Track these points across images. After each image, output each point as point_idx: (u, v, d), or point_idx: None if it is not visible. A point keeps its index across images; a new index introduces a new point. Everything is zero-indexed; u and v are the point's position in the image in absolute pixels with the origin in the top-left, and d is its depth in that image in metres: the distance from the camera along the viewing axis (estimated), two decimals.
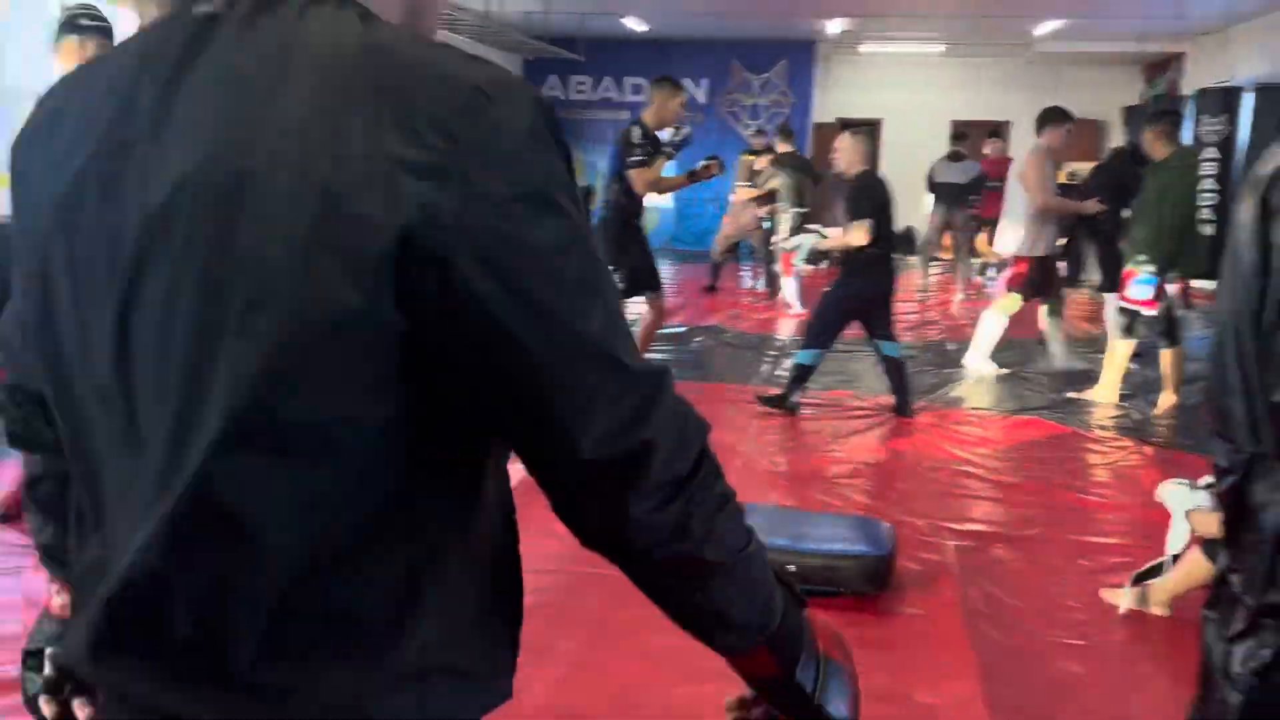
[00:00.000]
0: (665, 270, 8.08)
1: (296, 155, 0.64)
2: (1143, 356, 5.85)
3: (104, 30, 3.13)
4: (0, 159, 0.97)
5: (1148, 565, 3.11)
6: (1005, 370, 6.39)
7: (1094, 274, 7.67)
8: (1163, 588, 3.06)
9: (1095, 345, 6.60)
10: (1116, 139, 12.14)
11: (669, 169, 5.63)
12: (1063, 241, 6.77)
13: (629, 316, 5.09)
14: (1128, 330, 5.56)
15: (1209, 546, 2.85)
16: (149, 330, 0.69)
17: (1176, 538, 3.03)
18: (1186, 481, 3.04)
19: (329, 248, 0.63)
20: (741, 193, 9.68)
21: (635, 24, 12.33)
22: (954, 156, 9.79)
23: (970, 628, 2.99)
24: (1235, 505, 1.96)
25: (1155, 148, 5.47)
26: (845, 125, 5.51)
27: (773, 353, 7.01)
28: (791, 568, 2.95)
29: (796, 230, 8.46)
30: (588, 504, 0.72)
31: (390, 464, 0.69)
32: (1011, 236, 6.26)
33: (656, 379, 0.72)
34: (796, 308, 8.52)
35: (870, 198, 5.11)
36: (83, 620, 0.73)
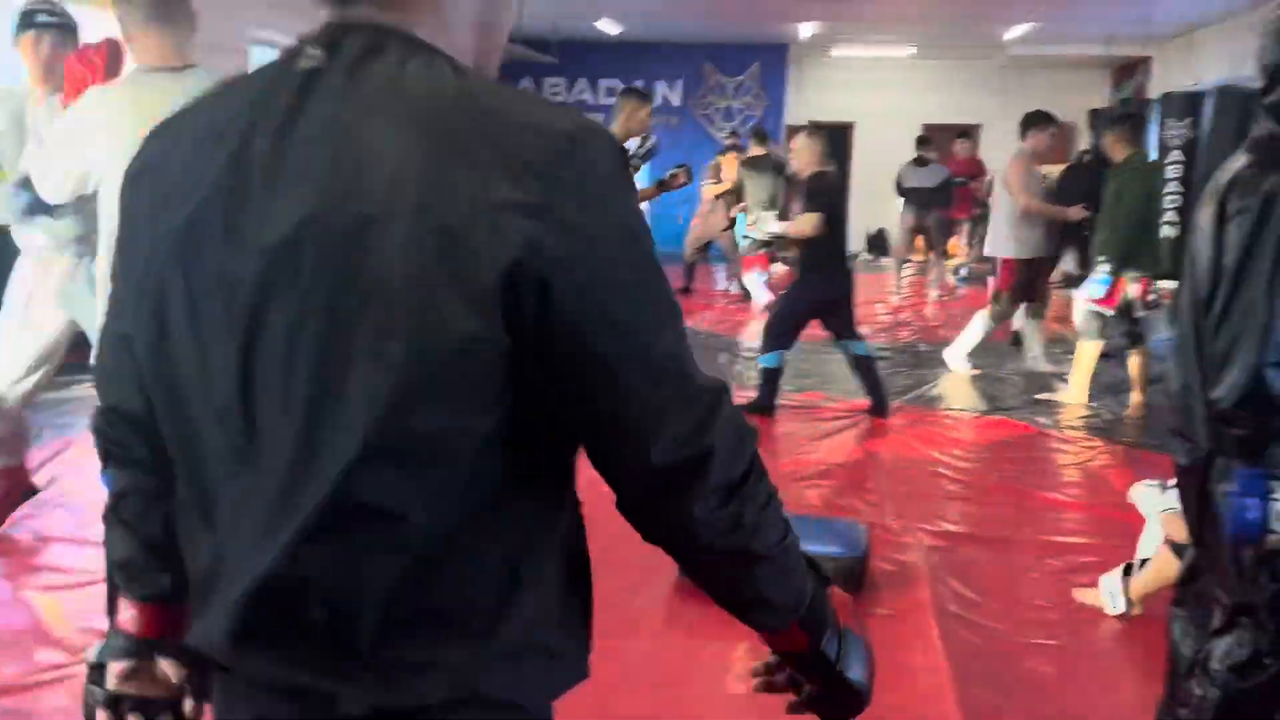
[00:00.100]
0: None
1: (413, 200, 0.72)
2: (1113, 357, 5.91)
3: (61, 27, 3.07)
4: None
5: (1121, 566, 3.14)
6: (977, 371, 6.42)
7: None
8: (1135, 586, 3.09)
9: (1066, 346, 6.65)
10: (1084, 142, 12.25)
11: (637, 180, 5.62)
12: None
13: None
14: (1095, 331, 5.61)
15: (1178, 548, 2.88)
16: (273, 358, 0.77)
17: (1148, 541, 3.06)
18: (1157, 483, 3.07)
19: (449, 281, 0.72)
20: (707, 190, 9.73)
21: (609, 26, 12.33)
22: (919, 161, 9.85)
23: (942, 628, 3.00)
24: (1198, 504, 1.98)
25: (1115, 150, 5.56)
26: (818, 128, 5.51)
27: (747, 355, 7.03)
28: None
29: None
30: (655, 504, 0.82)
31: (492, 468, 0.78)
32: (996, 239, 6.25)
33: (717, 394, 0.82)
34: (764, 299, 8.53)
35: (823, 195, 5.14)
36: (219, 613, 0.81)
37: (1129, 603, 3.09)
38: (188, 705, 0.98)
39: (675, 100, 14.19)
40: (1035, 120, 6.09)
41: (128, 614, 1.01)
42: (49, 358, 3.18)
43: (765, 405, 5.26)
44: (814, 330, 5.40)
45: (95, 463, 3.53)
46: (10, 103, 3.07)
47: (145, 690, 0.97)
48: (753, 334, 7.99)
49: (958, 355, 6.48)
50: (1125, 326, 5.45)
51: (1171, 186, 7.51)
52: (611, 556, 3.36)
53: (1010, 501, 4.18)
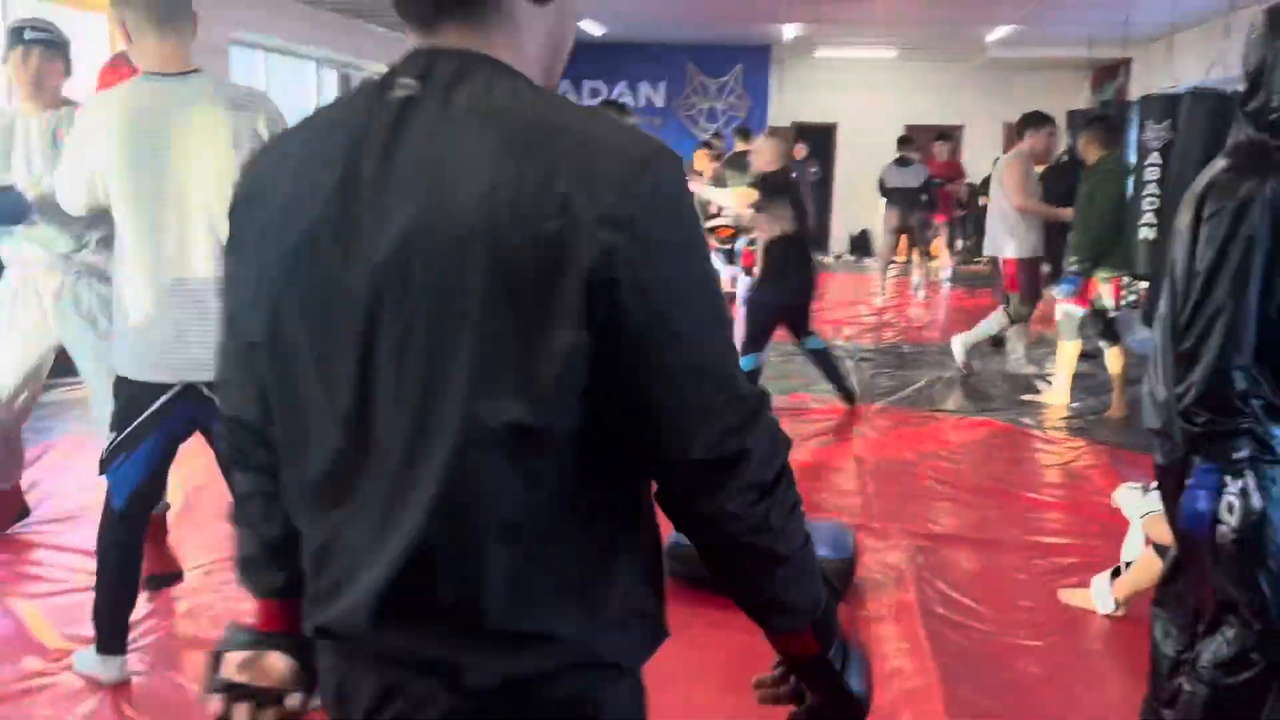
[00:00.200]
0: None
1: (505, 216, 0.80)
2: (1096, 358, 5.94)
3: (49, 43, 3.03)
4: None
5: (1110, 569, 3.16)
6: (966, 370, 6.40)
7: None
8: (1118, 587, 3.11)
9: (1049, 346, 6.68)
10: (1064, 144, 12.32)
11: None
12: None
13: None
14: (1073, 331, 5.65)
15: (1162, 550, 2.90)
16: (388, 362, 0.85)
17: (1132, 545, 3.08)
18: (1139, 486, 3.09)
19: (541, 287, 0.80)
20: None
21: (592, 27, 12.31)
22: (902, 162, 9.89)
23: (929, 629, 3.01)
24: (1177, 501, 2.01)
25: (1088, 152, 5.61)
26: (801, 129, 5.57)
27: None
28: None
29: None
30: (691, 496, 0.89)
31: (584, 456, 0.86)
32: (996, 240, 6.23)
33: (759, 400, 0.89)
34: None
35: (770, 191, 5.19)
36: (360, 594, 0.89)
37: (1116, 604, 3.11)
38: (296, 698, 1.04)
39: (659, 101, 14.19)
40: (1033, 121, 6.11)
41: (249, 608, 1.08)
42: (34, 377, 3.14)
43: None
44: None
45: (76, 467, 3.53)
46: None
47: (258, 680, 1.03)
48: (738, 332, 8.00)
49: (961, 346, 6.40)
50: (1099, 326, 5.49)
51: (1150, 189, 7.58)
52: None
53: (996, 503, 4.20)
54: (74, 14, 3.53)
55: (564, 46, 0.98)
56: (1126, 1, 9.05)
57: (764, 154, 5.43)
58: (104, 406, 3.05)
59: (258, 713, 1.02)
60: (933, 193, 10.00)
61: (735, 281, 8.31)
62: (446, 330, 0.83)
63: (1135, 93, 11.41)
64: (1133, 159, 8.77)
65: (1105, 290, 5.46)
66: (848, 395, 5.52)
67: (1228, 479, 1.79)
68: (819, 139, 13.65)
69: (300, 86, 9.70)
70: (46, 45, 3.02)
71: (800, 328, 5.41)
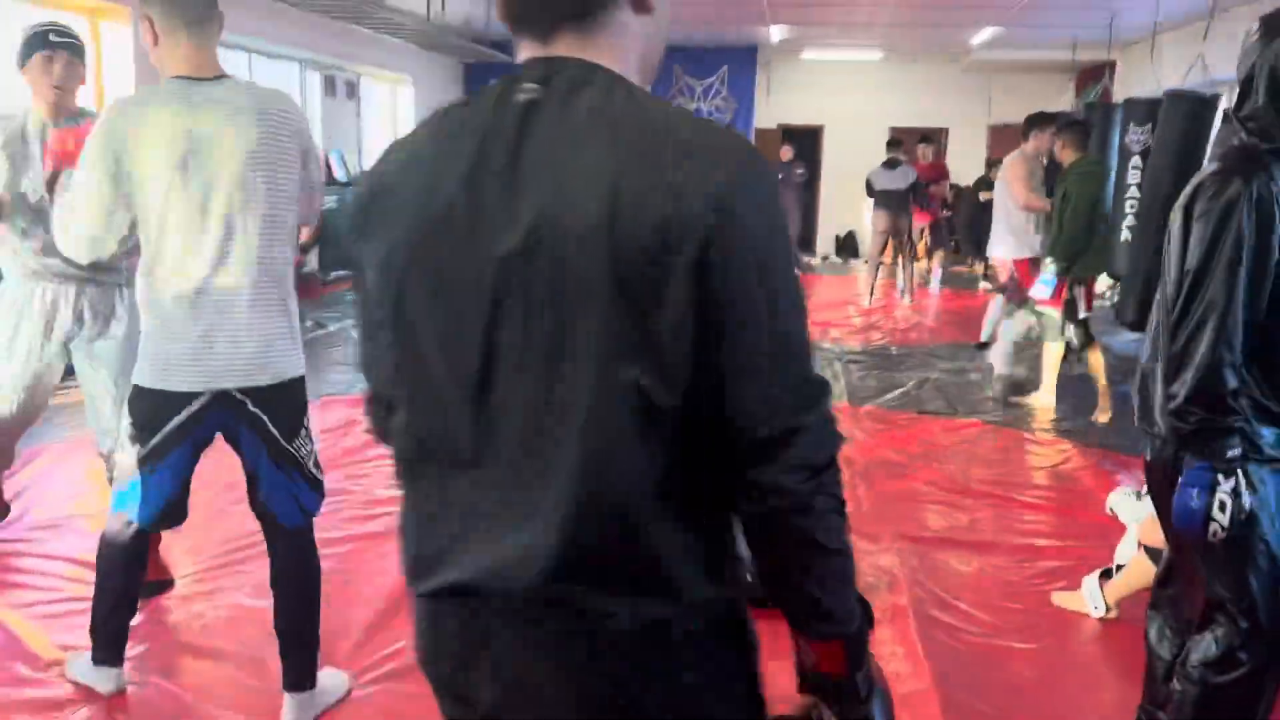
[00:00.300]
0: None
1: (627, 206, 0.90)
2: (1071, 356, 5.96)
3: (73, 47, 2.96)
4: None
5: (1099, 570, 3.17)
6: (1018, 372, 6.22)
7: None
8: (1110, 589, 3.12)
9: (1035, 348, 6.70)
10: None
11: None
12: None
13: None
14: (1055, 332, 5.68)
15: (1154, 553, 2.91)
16: (513, 342, 0.95)
17: (1127, 549, 3.09)
18: (1133, 491, 3.11)
19: (656, 269, 0.90)
20: None
21: None
22: (890, 164, 9.92)
23: (922, 632, 3.01)
24: (1168, 500, 2.02)
25: (1064, 154, 5.65)
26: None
27: None
28: (748, 576, 2.95)
29: None
30: (748, 464, 0.95)
31: (695, 422, 0.94)
32: (1001, 241, 6.20)
33: (822, 386, 0.98)
34: None
35: None
36: (509, 554, 0.98)
37: (1107, 606, 3.13)
38: None
39: None
40: (1037, 121, 6.11)
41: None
42: (33, 387, 3.07)
43: None
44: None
45: (63, 473, 3.49)
46: (9, 125, 2.95)
47: None
48: None
49: (1003, 360, 6.23)
50: (1073, 326, 5.54)
51: (1132, 191, 7.62)
52: None
53: (986, 505, 4.21)
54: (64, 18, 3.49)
55: (658, 53, 1.09)
56: (1110, 4, 9.11)
57: None
58: (105, 415, 3.05)
59: None
60: (924, 193, 10.03)
61: None
62: (571, 309, 0.92)
63: (1118, 95, 11.48)
64: (1115, 161, 8.85)
65: (1078, 292, 5.50)
66: None
67: (1220, 477, 1.81)
68: (805, 141, 13.67)
69: (284, 88, 9.64)
70: (72, 50, 2.95)
71: None
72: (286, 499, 2.38)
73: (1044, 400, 5.81)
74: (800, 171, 12.13)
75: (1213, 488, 1.81)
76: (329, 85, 10.90)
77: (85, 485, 4.02)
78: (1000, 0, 9.30)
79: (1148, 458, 2.07)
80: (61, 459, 4.31)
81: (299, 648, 2.43)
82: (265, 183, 2.22)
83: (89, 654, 2.52)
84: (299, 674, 2.43)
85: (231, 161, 2.18)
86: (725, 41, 13.34)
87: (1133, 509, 3.04)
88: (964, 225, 11.89)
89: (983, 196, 10.49)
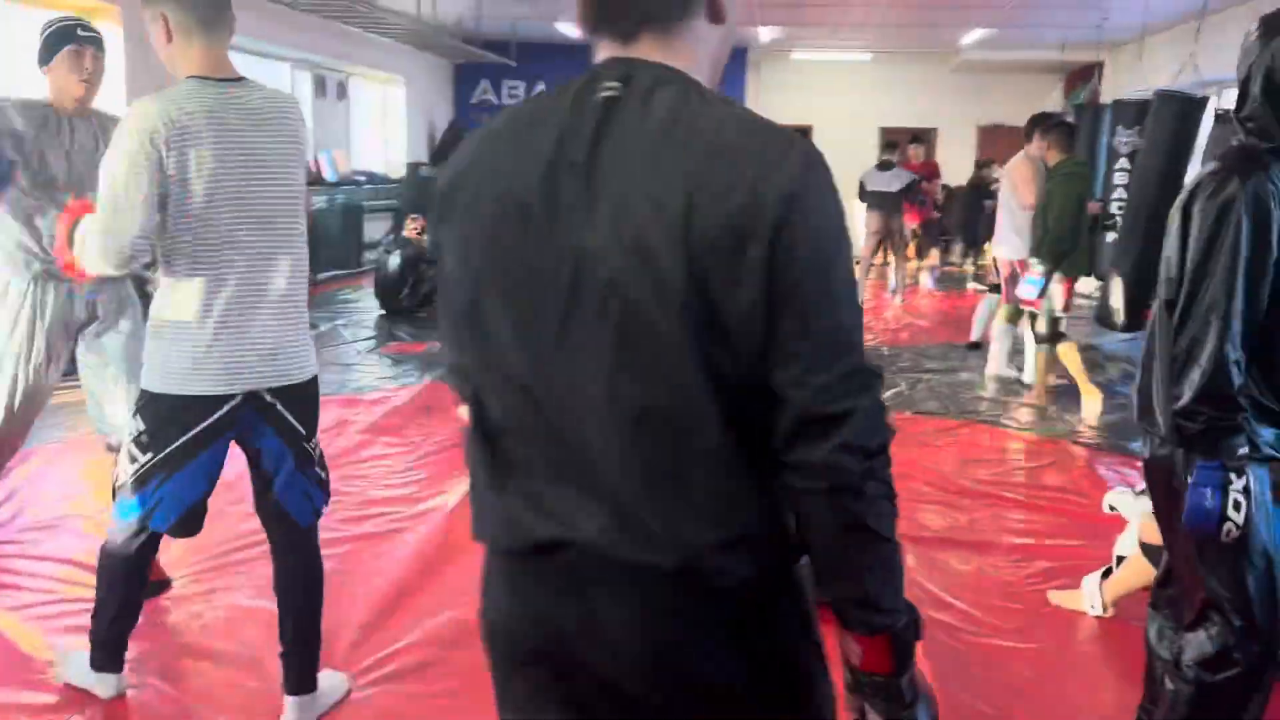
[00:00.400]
0: None
1: (705, 198, 0.97)
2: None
3: (98, 42, 2.93)
4: None
5: (1101, 569, 3.18)
6: (1060, 380, 6.19)
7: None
8: (1108, 588, 3.13)
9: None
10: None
11: None
12: None
13: None
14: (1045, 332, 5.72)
15: (1151, 551, 2.92)
16: (584, 325, 1.02)
17: (1127, 541, 3.10)
18: (1129, 489, 3.12)
19: (732, 253, 0.97)
20: None
21: (568, 28, 12.30)
22: (883, 165, 9.94)
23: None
24: (1167, 500, 2.02)
25: (1049, 155, 5.68)
26: None
27: None
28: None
29: None
30: (801, 439, 1.00)
31: (758, 394, 1.01)
32: (1008, 242, 6.19)
33: (874, 373, 1.03)
34: None
35: None
36: (587, 507, 1.05)
37: (1105, 605, 3.14)
38: None
39: None
40: (1041, 121, 6.13)
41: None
42: (40, 385, 3.03)
43: None
44: None
45: (56, 474, 3.46)
46: (34, 112, 2.91)
47: None
48: None
49: (1032, 368, 6.20)
50: (1043, 320, 5.59)
51: (1118, 193, 7.66)
52: None
53: (982, 504, 4.22)
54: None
55: (725, 58, 1.16)
56: (1100, 4, 9.15)
57: None
58: (117, 411, 3.01)
59: None
60: (920, 192, 10.05)
61: None
62: (647, 296, 0.99)
63: (1106, 96, 11.53)
64: (1103, 162, 8.88)
65: (1056, 291, 5.53)
66: None
67: (1232, 476, 1.81)
68: None
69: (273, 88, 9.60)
70: (97, 45, 2.92)
71: None
72: (301, 498, 2.37)
73: (1036, 399, 5.84)
74: None
75: (1225, 487, 1.81)
76: (319, 85, 10.86)
77: (80, 486, 4.00)
78: (991, 0, 9.34)
79: (1147, 456, 2.07)
80: (55, 460, 4.29)
81: (302, 650, 2.42)
82: (291, 182, 2.24)
83: (83, 655, 2.50)
84: (301, 676, 2.42)
85: (266, 161, 2.18)
86: None
87: (1133, 504, 3.04)
88: (956, 225, 11.93)
89: (988, 205, 10.50)
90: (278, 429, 2.30)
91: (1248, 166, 1.87)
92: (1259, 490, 1.88)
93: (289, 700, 2.42)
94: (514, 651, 1.15)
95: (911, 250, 11.10)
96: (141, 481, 2.24)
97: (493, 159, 1.09)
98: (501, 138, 1.10)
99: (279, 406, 2.28)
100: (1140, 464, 4.82)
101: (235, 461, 2.37)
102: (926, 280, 10.93)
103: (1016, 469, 4.82)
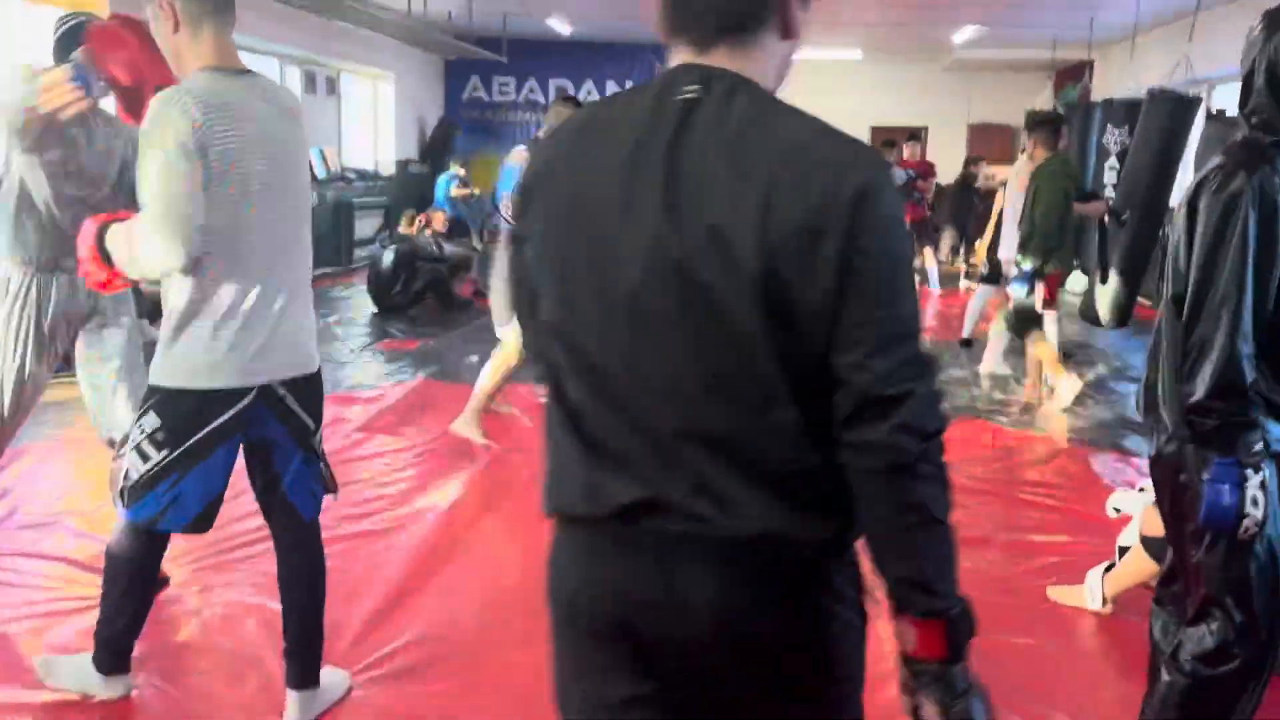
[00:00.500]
0: None
1: (783, 199, 1.05)
2: (1072, 357, 6.00)
3: None
4: None
5: (1104, 564, 3.19)
6: (1083, 378, 6.17)
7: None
8: (1109, 582, 3.13)
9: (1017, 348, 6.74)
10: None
11: None
12: None
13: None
14: (1046, 328, 5.73)
15: (1151, 544, 2.93)
16: (662, 312, 1.10)
17: (1130, 533, 3.11)
18: (1130, 489, 3.13)
19: (808, 250, 1.05)
20: None
21: (559, 25, 12.29)
22: None
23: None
24: (1172, 496, 2.02)
25: (1036, 153, 5.71)
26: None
27: None
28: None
29: None
30: (863, 420, 1.07)
31: (820, 379, 1.08)
32: (1011, 241, 6.15)
33: (930, 362, 1.11)
34: None
35: None
36: (669, 471, 1.13)
37: (1104, 600, 3.14)
38: None
39: None
40: (1048, 121, 6.12)
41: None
42: (34, 380, 3.01)
43: None
44: None
45: (49, 473, 3.40)
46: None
47: None
48: None
49: (1053, 373, 6.00)
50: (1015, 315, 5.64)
51: (1107, 191, 7.70)
52: None
53: (979, 501, 4.21)
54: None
55: (788, 71, 1.23)
56: (1091, 3, 9.18)
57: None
58: (118, 406, 3.01)
59: None
60: (915, 190, 10.05)
61: None
62: (726, 289, 1.06)
63: (1095, 95, 11.57)
64: (1093, 161, 8.92)
65: (1039, 288, 5.54)
66: None
67: (1248, 472, 1.81)
68: None
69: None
70: None
71: None
72: (307, 493, 2.37)
73: (1030, 395, 5.85)
74: None
75: (1242, 483, 1.81)
76: (309, 81, 10.82)
77: (74, 484, 3.97)
78: None
79: (1153, 453, 2.06)
80: (48, 458, 4.26)
81: (305, 645, 2.41)
82: (306, 171, 2.26)
83: (75, 660, 2.48)
84: (304, 672, 2.41)
85: (289, 151, 2.19)
86: None
87: (1136, 500, 3.05)
88: (945, 222, 11.94)
89: (977, 202, 10.52)
90: (287, 423, 2.29)
91: (1253, 160, 1.87)
92: (1269, 486, 1.88)
93: (292, 695, 2.41)
94: (592, 622, 1.20)
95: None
96: (155, 480, 2.21)
97: (574, 154, 1.18)
98: (583, 134, 1.20)
99: (289, 400, 2.27)
100: (1134, 460, 4.86)
101: None
102: (931, 278, 10.92)
103: (1014, 465, 4.82)
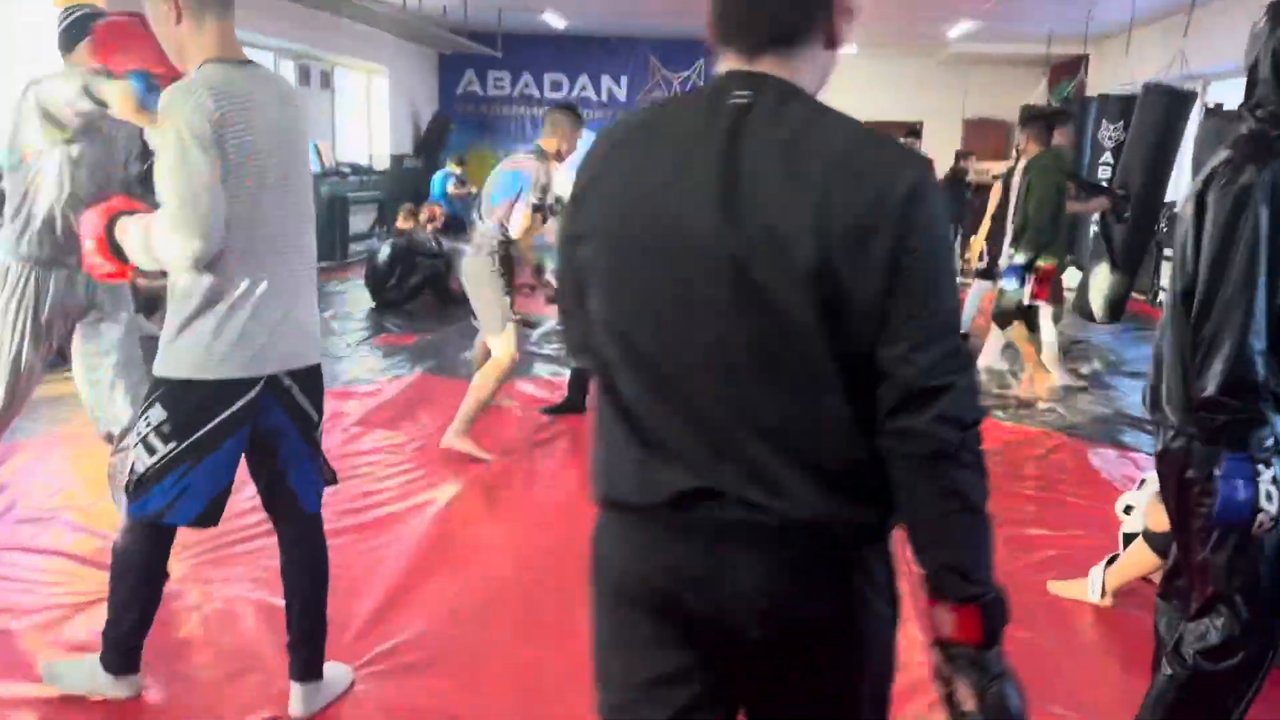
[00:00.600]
0: None
1: (839, 199, 1.11)
2: (1067, 354, 6.01)
3: None
4: None
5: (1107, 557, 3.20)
6: (1082, 383, 6.21)
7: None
8: (1110, 575, 3.14)
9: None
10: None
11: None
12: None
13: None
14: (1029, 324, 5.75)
15: (1154, 538, 2.93)
16: (715, 310, 1.15)
17: (1134, 522, 3.11)
18: (1139, 492, 3.13)
19: (862, 249, 1.11)
20: None
21: (554, 19, 12.26)
22: None
23: (921, 623, 3.01)
24: (1178, 491, 2.02)
25: (1029, 148, 5.72)
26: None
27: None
28: None
29: None
30: (906, 409, 1.13)
31: (869, 372, 1.14)
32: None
33: (969, 358, 1.18)
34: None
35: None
36: (722, 473, 1.18)
37: (1104, 591, 3.15)
38: None
39: (621, 95, 14.17)
40: (1056, 116, 6.12)
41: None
42: (30, 372, 2.99)
43: (577, 403, 5.22)
44: None
45: (46, 468, 3.37)
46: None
47: None
48: None
49: (1059, 372, 6.12)
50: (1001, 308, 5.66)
51: (1103, 187, 7.70)
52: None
53: None
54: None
55: (828, 79, 1.28)
56: None
57: (556, 141, 4.78)
58: (116, 402, 3.00)
59: None
60: None
61: None
62: (783, 278, 1.12)
63: (1090, 89, 11.58)
64: (1087, 156, 8.92)
65: (1028, 283, 5.55)
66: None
67: (1260, 467, 1.80)
68: None
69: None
70: None
71: None
72: (310, 484, 2.36)
73: (1026, 391, 5.86)
74: None
75: (1255, 478, 1.80)
76: (303, 75, 10.78)
77: (72, 479, 3.95)
78: None
79: (1159, 449, 2.06)
80: (45, 453, 4.24)
81: (309, 638, 2.40)
82: (308, 163, 2.26)
83: (81, 663, 2.47)
84: (308, 664, 2.40)
85: (296, 142, 2.19)
86: (702, 34, 13.19)
87: (1140, 494, 3.06)
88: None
89: (991, 197, 10.49)
90: (292, 414, 2.28)
91: (1262, 154, 1.85)
92: None
93: (296, 687, 2.40)
94: (640, 600, 1.26)
95: None
96: (162, 473, 2.19)
97: (630, 156, 1.24)
98: (637, 135, 1.27)
99: (295, 390, 2.27)
100: (1132, 454, 4.87)
101: None
102: None
103: (1012, 459, 4.82)
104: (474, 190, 11.11)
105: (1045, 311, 5.84)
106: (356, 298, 8.59)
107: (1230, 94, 9.20)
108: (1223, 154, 1.95)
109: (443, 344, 6.88)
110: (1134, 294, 7.05)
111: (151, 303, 5.78)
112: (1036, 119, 5.86)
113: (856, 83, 14.34)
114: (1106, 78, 11.42)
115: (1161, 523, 2.69)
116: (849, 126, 1.18)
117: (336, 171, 10.99)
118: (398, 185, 11.96)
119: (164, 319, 2.22)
